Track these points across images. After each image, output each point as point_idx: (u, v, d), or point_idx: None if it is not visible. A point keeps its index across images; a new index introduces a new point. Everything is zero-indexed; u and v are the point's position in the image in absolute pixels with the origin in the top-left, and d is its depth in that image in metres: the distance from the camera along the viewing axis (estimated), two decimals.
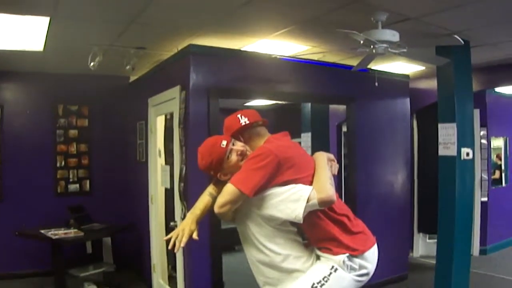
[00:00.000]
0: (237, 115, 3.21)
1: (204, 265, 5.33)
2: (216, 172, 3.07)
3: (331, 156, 3.30)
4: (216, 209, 2.89)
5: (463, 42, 4.67)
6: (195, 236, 2.99)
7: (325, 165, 3.08)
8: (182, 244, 2.94)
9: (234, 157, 3.02)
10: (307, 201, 2.80)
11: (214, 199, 3.02)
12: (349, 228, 3.04)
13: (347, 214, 3.09)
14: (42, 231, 6.49)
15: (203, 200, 3.11)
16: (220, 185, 3.03)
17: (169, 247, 2.98)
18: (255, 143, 3.17)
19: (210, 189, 3.12)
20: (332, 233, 2.98)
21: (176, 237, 2.95)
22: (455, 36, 4.51)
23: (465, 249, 5.96)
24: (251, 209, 2.96)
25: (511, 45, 6.24)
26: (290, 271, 3.00)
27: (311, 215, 2.88)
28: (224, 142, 3.02)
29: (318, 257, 3.06)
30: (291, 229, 3.00)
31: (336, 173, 3.20)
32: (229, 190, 2.85)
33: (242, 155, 3.04)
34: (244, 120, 3.18)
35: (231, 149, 3.03)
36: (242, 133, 3.20)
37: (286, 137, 3.25)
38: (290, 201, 2.84)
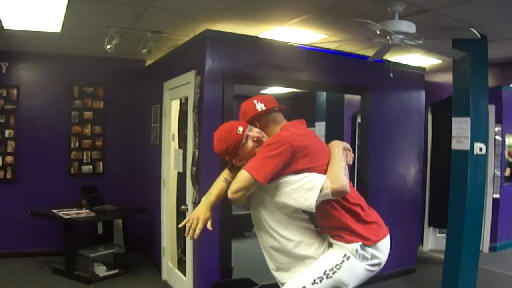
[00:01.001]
0: (254, 101, 3.20)
1: (213, 250, 5.36)
2: (232, 158, 3.08)
3: (347, 145, 3.28)
4: (229, 194, 2.90)
5: (479, 36, 4.63)
6: (209, 225, 3.01)
7: (340, 154, 3.06)
8: (196, 236, 2.98)
9: (250, 144, 3.02)
10: (321, 191, 2.79)
11: (228, 184, 3.03)
12: (362, 217, 3.03)
13: (360, 204, 3.08)
14: (54, 211, 6.55)
15: (218, 186, 3.12)
16: (235, 170, 3.03)
17: (185, 234, 3.00)
18: (271, 130, 3.16)
19: (225, 174, 3.14)
20: (345, 222, 2.97)
21: (191, 225, 2.98)
22: (472, 29, 4.47)
23: (474, 245, 5.95)
24: (264, 196, 2.97)
25: None
26: (302, 258, 3.01)
27: (324, 204, 2.88)
28: (241, 129, 3.01)
29: (330, 245, 3.06)
30: (304, 216, 3.00)
31: (351, 163, 3.19)
32: (243, 176, 2.84)
33: (258, 141, 3.03)
34: (260, 106, 3.16)
35: (247, 136, 3.02)
36: (258, 119, 3.18)
37: (303, 125, 3.24)
38: (303, 189, 2.83)
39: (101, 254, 6.73)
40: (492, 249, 8.79)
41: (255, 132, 3.07)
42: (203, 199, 3.11)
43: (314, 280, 2.93)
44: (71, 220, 6.32)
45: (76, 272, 6.51)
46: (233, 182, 2.91)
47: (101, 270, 6.54)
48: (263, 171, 2.82)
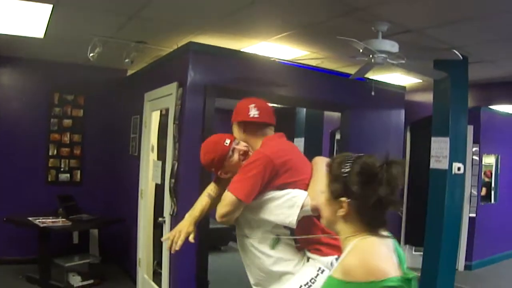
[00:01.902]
0: (249, 105, 3.16)
1: (189, 263, 5.34)
2: (217, 170, 3.09)
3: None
4: (218, 219, 2.89)
5: (461, 58, 4.68)
6: (191, 238, 3.02)
7: (322, 170, 3.03)
8: (177, 247, 2.98)
9: (236, 157, 3.03)
10: (301, 207, 2.80)
11: (212, 200, 3.08)
12: None
13: None
14: (30, 219, 6.48)
15: (202, 202, 3.15)
16: (220, 183, 3.07)
17: (167, 247, 3.02)
18: (255, 142, 3.14)
19: (209, 190, 3.16)
20: (323, 237, 2.96)
21: (173, 239, 2.98)
22: (454, 51, 4.51)
23: (451, 263, 5.99)
24: (246, 213, 2.96)
25: (509, 63, 6.26)
26: (279, 274, 2.99)
27: (303, 218, 2.87)
28: (228, 141, 3.03)
29: (307, 259, 3.03)
30: (284, 231, 2.98)
31: None
32: (229, 200, 2.83)
33: (245, 155, 3.04)
34: (253, 113, 3.12)
35: (234, 148, 3.04)
36: (246, 126, 3.16)
37: (282, 139, 3.22)
38: (285, 207, 2.83)
39: (76, 264, 6.67)
40: (468, 267, 8.87)
41: (242, 145, 3.08)
42: (187, 215, 3.12)
43: None
44: (46, 228, 6.26)
45: (51, 282, 6.42)
46: (219, 206, 2.88)
47: (75, 280, 6.47)
48: (246, 190, 2.81)
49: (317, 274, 2.93)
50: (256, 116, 3.12)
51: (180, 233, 3.01)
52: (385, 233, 1.92)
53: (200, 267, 5.41)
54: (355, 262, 1.80)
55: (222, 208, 2.85)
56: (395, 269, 1.79)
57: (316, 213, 2.82)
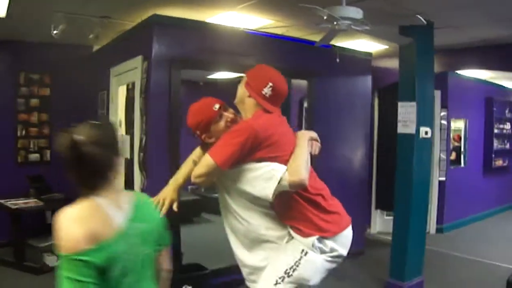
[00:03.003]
0: (268, 81, 3.09)
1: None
2: (202, 133, 3.08)
3: (314, 135, 3.27)
4: (192, 178, 2.93)
5: (425, 23, 4.68)
6: (175, 207, 3.05)
7: (304, 146, 3.04)
8: (164, 212, 2.98)
9: (222, 123, 3.04)
10: (279, 182, 2.79)
11: (198, 159, 3.07)
12: (323, 207, 3.03)
13: (322, 194, 3.07)
14: (1, 201, 6.42)
15: (186, 168, 3.15)
16: (206, 150, 3.02)
17: None
18: (249, 111, 3.11)
19: (194, 156, 3.17)
20: (304, 213, 2.97)
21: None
22: (418, 16, 4.52)
23: (421, 227, 6.08)
24: (227, 181, 2.99)
25: (474, 29, 6.32)
26: (261, 240, 3.03)
27: (284, 193, 2.87)
28: (217, 106, 3.04)
29: (291, 237, 3.04)
30: (265, 203, 2.97)
31: (317, 153, 3.19)
32: (205, 161, 2.86)
33: (232, 122, 3.06)
34: (266, 92, 3.06)
35: (222, 114, 3.04)
36: (251, 95, 3.11)
37: (274, 113, 3.12)
38: (262, 179, 2.84)
39: (51, 244, 6.60)
40: (439, 230, 9.03)
41: (230, 113, 3.09)
42: (171, 181, 3.15)
43: (277, 281, 2.95)
44: (19, 210, 6.22)
45: (26, 263, 6.40)
46: (196, 167, 2.92)
47: (51, 260, 6.41)
48: (224, 156, 2.82)
49: (301, 257, 2.96)
50: (267, 97, 3.06)
51: (164, 200, 3.03)
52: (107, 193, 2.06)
53: (173, 240, 5.41)
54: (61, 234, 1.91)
55: (198, 169, 2.89)
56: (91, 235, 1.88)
57: (294, 188, 2.86)
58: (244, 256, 3.12)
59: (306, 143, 3.07)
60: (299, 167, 2.86)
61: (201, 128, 3.05)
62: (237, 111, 3.18)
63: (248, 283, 3.20)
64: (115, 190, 2.11)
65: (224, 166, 2.82)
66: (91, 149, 1.98)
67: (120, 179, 2.25)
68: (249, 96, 3.08)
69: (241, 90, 3.15)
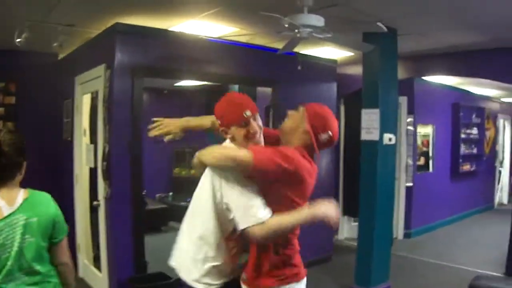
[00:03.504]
0: (329, 130, 2.91)
1: (126, 245, 5.33)
2: (221, 125, 2.85)
3: (331, 212, 2.85)
4: (210, 157, 2.68)
5: (385, 29, 4.72)
6: (167, 137, 3.06)
7: (309, 214, 2.78)
8: (152, 134, 3.05)
9: (243, 131, 2.76)
10: (249, 224, 2.61)
11: (213, 126, 3.03)
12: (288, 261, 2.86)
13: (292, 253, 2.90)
14: None
15: (203, 120, 3.11)
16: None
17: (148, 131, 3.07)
18: (292, 144, 2.89)
19: (214, 118, 2.94)
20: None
21: (157, 125, 3.06)
22: (379, 23, 4.56)
23: (386, 232, 6.12)
24: (221, 194, 2.71)
25: (439, 35, 6.37)
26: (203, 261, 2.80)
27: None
28: (248, 113, 2.74)
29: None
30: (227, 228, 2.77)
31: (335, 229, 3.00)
32: (244, 153, 2.60)
33: (251, 136, 2.78)
34: (324, 138, 2.92)
35: (248, 122, 2.74)
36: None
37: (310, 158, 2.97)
38: (248, 213, 2.63)
39: None
40: (407, 235, 9.10)
41: (256, 126, 2.79)
42: (183, 118, 3.11)
43: None
44: None
45: None
46: (232, 149, 2.73)
47: None
48: (263, 164, 2.60)
49: None
50: (320, 142, 2.92)
51: (166, 125, 3.03)
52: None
53: (137, 249, 5.40)
54: None
55: (233, 152, 2.67)
56: None
57: (244, 236, 2.71)
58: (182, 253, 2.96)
59: (315, 213, 2.80)
60: (278, 227, 2.66)
61: (222, 122, 2.83)
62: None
63: None
64: (13, 186, 2.50)
65: (254, 171, 2.60)
66: (7, 150, 2.38)
67: (20, 178, 2.57)
68: (306, 133, 2.87)
69: (299, 121, 2.89)
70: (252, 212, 2.62)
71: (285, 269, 2.79)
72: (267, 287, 2.74)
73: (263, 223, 2.61)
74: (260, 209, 2.64)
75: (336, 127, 2.95)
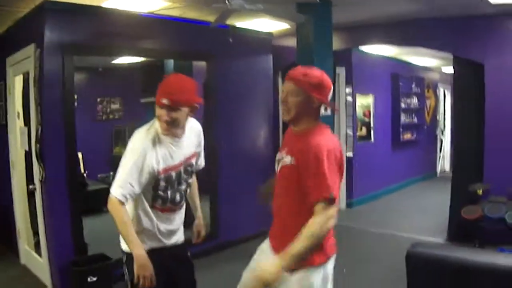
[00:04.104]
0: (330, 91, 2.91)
1: (64, 228, 5.25)
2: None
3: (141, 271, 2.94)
4: (326, 233, 2.64)
5: (318, 0, 4.74)
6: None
7: (130, 244, 2.96)
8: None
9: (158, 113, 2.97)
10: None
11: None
12: None
13: None
14: None
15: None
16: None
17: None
18: (307, 119, 2.88)
19: None
20: None
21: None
22: None
23: None
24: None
25: (373, 5, 6.40)
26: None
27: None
28: (164, 101, 2.91)
29: None
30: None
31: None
32: (333, 210, 2.62)
33: (161, 120, 2.98)
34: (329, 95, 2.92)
35: (161, 107, 2.95)
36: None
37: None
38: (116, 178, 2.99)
39: None
40: (349, 205, 9.23)
41: (164, 115, 2.96)
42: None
43: None
44: None
45: None
46: (324, 220, 2.59)
47: None
48: (336, 185, 2.70)
49: None
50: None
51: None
52: None
53: (76, 231, 5.32)
54: None
55: (323, 226, 2.59)
56: None
57: None
58: None
59: (129, 243, 2.99)
60: (112, 210, 2.93)
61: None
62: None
63: None
64: None
65: (337, 194, 2.67)
66: None
67: None
68: (317, 101, 2.85)
69: (302, 92, 2.82)
70: (114, 183, 2.93)
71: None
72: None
73: (111, 197, 2.90)
74: (115, 184, 2.93)
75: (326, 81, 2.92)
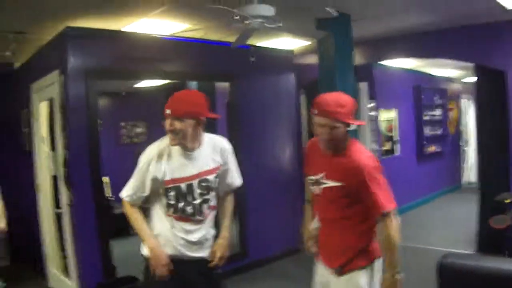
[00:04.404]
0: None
1: (93, 251, 5.29)
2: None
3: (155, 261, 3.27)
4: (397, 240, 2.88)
5: (336, 14, 4.74)
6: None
7: (146, 240, 3.30)
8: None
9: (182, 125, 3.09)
10: None
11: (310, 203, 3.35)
12: None
13: None
14: None
15: (306, 210, 3.43)
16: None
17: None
18: (344, 139, 2.99)
19: (306, 196, 3.40)
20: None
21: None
22: (327, 8, 4.57)
23: None
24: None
25: (392, 19, 6.38)
26: None
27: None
28: (167, 111, 3.09)
29: None
30: None
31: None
32: (393, 222, 2.87)
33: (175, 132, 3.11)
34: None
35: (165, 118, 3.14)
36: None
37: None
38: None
39: None
40: None
41: (167, 124, 3.13)
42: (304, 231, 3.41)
43: None
44: None
45: None
46: (390, 232, 2.86)
47: None
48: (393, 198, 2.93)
49: None
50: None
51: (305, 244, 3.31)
52: None
53: (104, 254, 5.35)
54: None
55: (397, 233, 2.87)
56: None
57: None
58: None
59: (145, 239, 3.28)
60: (126, 210, 3.35)
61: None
62: None
63: None
64: None
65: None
66: None
67: None
68: (347, 126, 2.98)
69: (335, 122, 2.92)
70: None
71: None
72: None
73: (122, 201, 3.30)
74: (125, 187, 3.33)
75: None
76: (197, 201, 3.26)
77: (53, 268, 6.34)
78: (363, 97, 8.70)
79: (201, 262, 3.34)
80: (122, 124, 9.69)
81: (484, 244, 6.77)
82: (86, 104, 5.22)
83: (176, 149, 3.19)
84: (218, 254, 3.39)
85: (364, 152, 2.99)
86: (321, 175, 3.03)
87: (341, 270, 2.99)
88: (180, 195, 3.20)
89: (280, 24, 4.68)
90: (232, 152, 3.51)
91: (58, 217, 5.90)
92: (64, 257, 6.17)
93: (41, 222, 6.40)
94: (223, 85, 7.18)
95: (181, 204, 3.21)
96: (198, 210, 3.28)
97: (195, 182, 3.23)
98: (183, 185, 3.19)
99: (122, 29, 5.84)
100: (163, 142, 3.25)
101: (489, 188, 6.82)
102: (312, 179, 3.13)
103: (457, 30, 6.83)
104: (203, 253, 3.35)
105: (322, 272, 3.18)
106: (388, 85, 9.66)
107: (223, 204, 3.60)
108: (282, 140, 7.40)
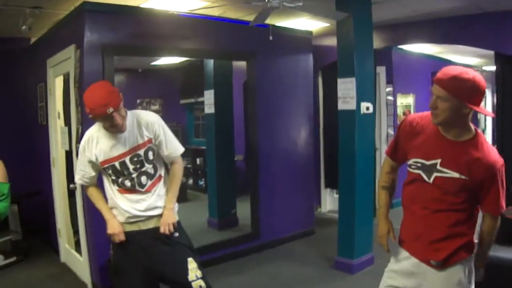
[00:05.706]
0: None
1: (104, 227, 5.22)
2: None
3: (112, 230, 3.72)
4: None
5: None
6: (392, 237, 3.18)
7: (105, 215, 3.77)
8: (388, 250, 3.16)
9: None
10: None
11: (390, 190, 3.32)
12: None
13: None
14: None
15: (381, 197, 3.34)
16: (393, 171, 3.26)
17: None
18: (465, 123, 2.69)
19: (381, 182, 3.32)
20: None
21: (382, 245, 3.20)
22: None
23: (367, 203, 6.07)
24: None
25: (414, 2, 6.30)
26: None
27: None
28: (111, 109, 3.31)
29: None
30: None
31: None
32: (499, 220, 2.91)
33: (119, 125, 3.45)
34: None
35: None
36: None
37: None
38: None
39: None
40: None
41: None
42: (378, 215, 3.32)
43: None
44: None
45: None
46: (496, 229, 2.92)
47: None
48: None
49: None
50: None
51: (382, 238, 3.19)
52: None
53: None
54: None
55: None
56: None
57: None
58: None
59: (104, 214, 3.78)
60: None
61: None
62: None
63: None
64: None
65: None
66: None
67: None
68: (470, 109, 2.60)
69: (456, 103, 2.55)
70: None
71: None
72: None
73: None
74: (75, 173, 3.84)
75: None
76: (134, 175, 3.55)
77: (65, 243, 6.36)
78: (381, 81, 8.63)
79: (154, 230, 3.62)
80: (138, 101, 9.68)
81: (499, 235, 6.69)
82: (102, 79, 5.16)
83: (104, 132, 3.53)
84: (163, 222, 3.61)
85: (493, 149, 2.69)
86: (434, 161, 2.71)
87: (444, 262, 2.78)
88: (117, 172, 3.54)
89: (300, 4, 4.62)
90: (162, 123, 3.73)
91: (72, 193, 5.88)
92: (76, 233, 6.19)
93: (55, 197, 6.41)
94: (240, 64, 7.13)
95: (120, 179, 3.55)
96: (137, 183, 3.57)
97: (127, 159, 3.52)
98: (116, 163, 3.52)
99: (141, 5, 5.80)
100: (93, 128, 3.64)
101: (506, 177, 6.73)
102: (419, 163, 2.81)
103: (477, 17, 6.73)
104: (154, 223, 3.65)
105: (410, 263, 2.95)
106: (406, 70, 9.54)
107: (170, 175, 3.84)
108: (298, 122, 7.33)
